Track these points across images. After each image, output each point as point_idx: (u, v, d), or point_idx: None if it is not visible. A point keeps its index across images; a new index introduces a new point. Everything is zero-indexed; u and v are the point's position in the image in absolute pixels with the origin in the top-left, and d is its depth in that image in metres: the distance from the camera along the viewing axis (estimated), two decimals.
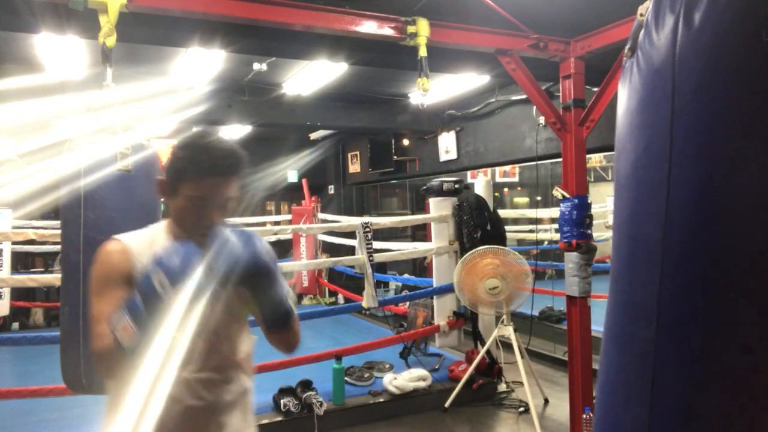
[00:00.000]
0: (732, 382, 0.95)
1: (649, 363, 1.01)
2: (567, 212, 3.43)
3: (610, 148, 5.34)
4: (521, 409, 4.25)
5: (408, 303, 5.58)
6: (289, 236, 7.98)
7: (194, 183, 1.32)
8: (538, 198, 7.11)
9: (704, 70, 0.97)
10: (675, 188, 0.98)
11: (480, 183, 5.28)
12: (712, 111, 0.96)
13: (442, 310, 4.95)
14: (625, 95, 1.11)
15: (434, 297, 5.01)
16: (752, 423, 0.95)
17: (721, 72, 0.96)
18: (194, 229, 1.34)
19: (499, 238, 4.81)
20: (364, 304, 4.58)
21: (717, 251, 0.96)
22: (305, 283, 8.25)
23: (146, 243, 1.36)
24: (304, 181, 8.54)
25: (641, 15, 1.13)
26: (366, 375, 4.52)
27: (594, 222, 3.57)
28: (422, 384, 4.35)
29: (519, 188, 8.78)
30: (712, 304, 0.96)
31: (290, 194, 9.71)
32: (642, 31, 1.09)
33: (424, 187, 5.18)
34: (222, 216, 1.35)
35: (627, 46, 1.13)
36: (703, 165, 0.96)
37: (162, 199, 1.42)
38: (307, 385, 4.07)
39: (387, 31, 2.96)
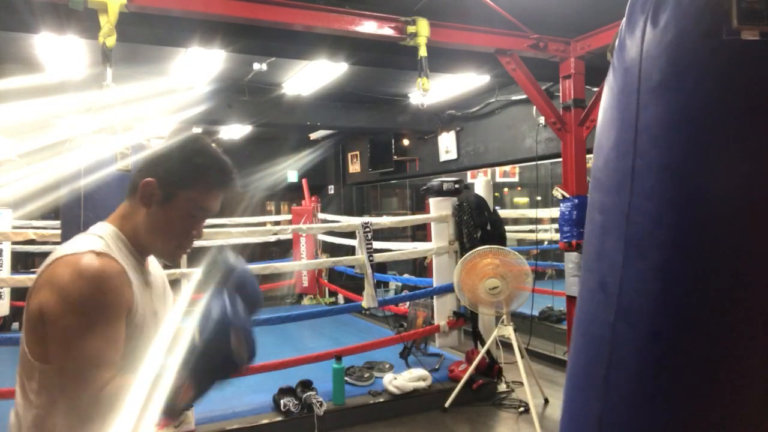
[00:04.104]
0: (687, 369, 1.00)
1: (606, 347, 1.06)
2: (567, 212, 3.43)
3: None
4: (521, 409, 4.25)
5: (408, 303, 5.58)
6: (289, 236, 7.98)
7: (201, 193, 1.19)
8: (538, 198, 7.11)
9: (666, 67, 1.01)
10: (638, 179, 1.03)
11: (480, 183, 5.27)
12: (673, 105, 1.01)
13: (442, 310, 4.95)
14: (604, 94, 1.17)
15: (434, 297, 5.01)
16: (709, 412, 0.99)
17: (683, 68, 1.00)
18: (170, 246, 1.22)
19: (499, 238, 4.80)
20: (364, 304, 4.58)
21: (677, 239, 1.00)
22: (305, 283, 8.24)
23: (126, 262, 1.16)
24: (304, 181, 8.54)
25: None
26: (366, 375, 4.52)
27: None
28: (422, 384, 4.34)
29: (519, 188, 8.77)
30: (670, 291, 1.00)
31: (290, 194, 9.72)
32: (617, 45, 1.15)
33: (424, 187, 5.17)
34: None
35: (609, 47, 1.18)
36: (664, 157, 1.01)
37: (136, 203, 1.20)
38: (307, 385, 4.07)
39: (387, 31, 2.96)
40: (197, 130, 7.92)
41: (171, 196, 1.18)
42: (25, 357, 1.12)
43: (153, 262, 1.33)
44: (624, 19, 1.11)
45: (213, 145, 1.25)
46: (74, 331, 1.04)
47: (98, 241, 1.14)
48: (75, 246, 1.12)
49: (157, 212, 1.18)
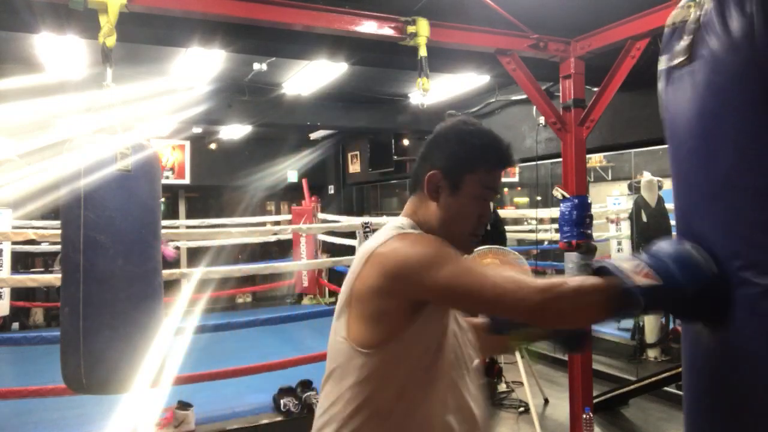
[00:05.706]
0: None
1: None
2: (567, 212, 3.43)
3: (610, 148, 5.37)
4: (521, 409, 4.25)
5: None
6: (289, 236, 7.98)
7: (486, 173, 1.18)
8: (538, 198, 7.11)
9: None
10: None
11: None
12: None
13: None
14: (689, 102, 1.05)
15: None
16: None
17: None
18: (465, 233, 1.20)
19: (499, 238, 4.80)
20: None
21: None
22: (305, 283, 8.25)
23: None
24: (304, 181, 8.55)
25: (673, 24, 1.08)
26: None
27: (594, 222, 3.57)
28: None
29: (519, 188, 8.78)
30: None
31: (290, 194, 9.71)
32: (702, 37, 1.02)
33: None
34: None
35: (682, 56, 1.06)
36: None
37: (424, 197, 1.21)
38: (307, 385, 4.07)
39: (387, 31, 2.96)
40: (197, 130, 7.93)
41: (458, 183, 1.17)
42: (344, 358, 1.24)
43: None
44: (711, 21, 0.99)
45: (475, 122, 1.26)
46: (453, 278, 1.06)
47: (403, 223, 1.21)
48: (384, 234, 1.16)
49: (447, 202, 1.18)
